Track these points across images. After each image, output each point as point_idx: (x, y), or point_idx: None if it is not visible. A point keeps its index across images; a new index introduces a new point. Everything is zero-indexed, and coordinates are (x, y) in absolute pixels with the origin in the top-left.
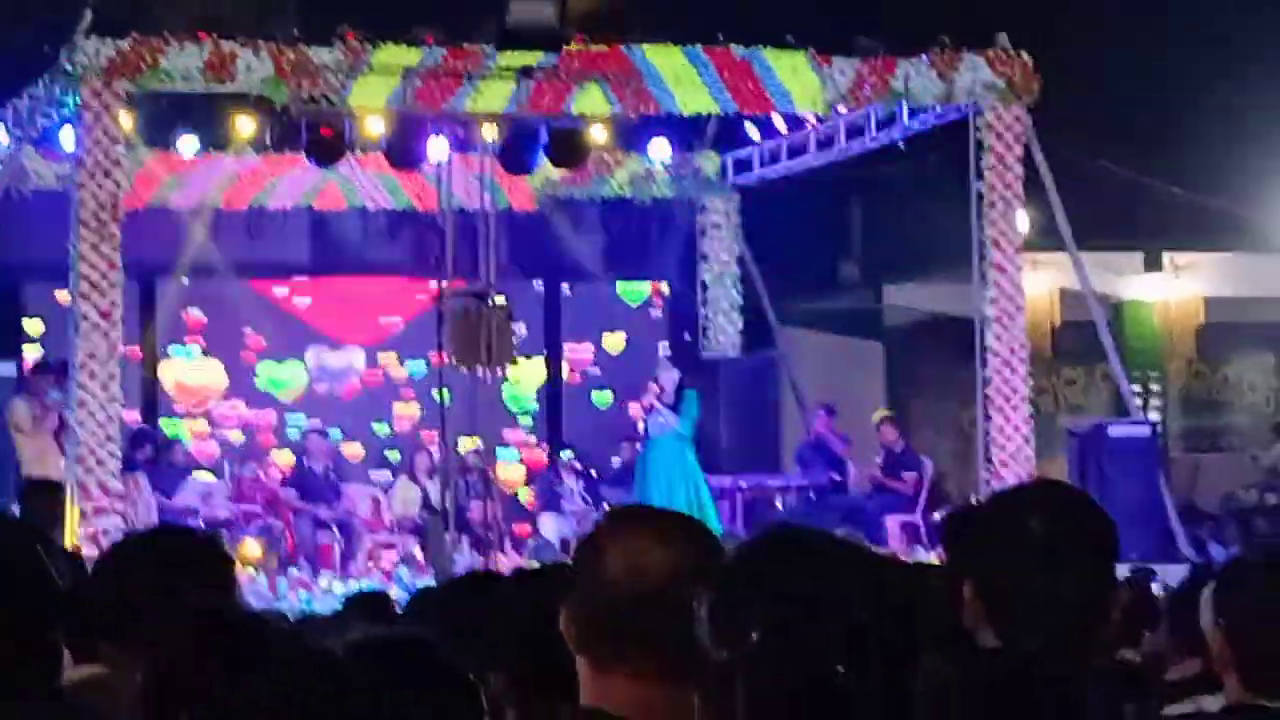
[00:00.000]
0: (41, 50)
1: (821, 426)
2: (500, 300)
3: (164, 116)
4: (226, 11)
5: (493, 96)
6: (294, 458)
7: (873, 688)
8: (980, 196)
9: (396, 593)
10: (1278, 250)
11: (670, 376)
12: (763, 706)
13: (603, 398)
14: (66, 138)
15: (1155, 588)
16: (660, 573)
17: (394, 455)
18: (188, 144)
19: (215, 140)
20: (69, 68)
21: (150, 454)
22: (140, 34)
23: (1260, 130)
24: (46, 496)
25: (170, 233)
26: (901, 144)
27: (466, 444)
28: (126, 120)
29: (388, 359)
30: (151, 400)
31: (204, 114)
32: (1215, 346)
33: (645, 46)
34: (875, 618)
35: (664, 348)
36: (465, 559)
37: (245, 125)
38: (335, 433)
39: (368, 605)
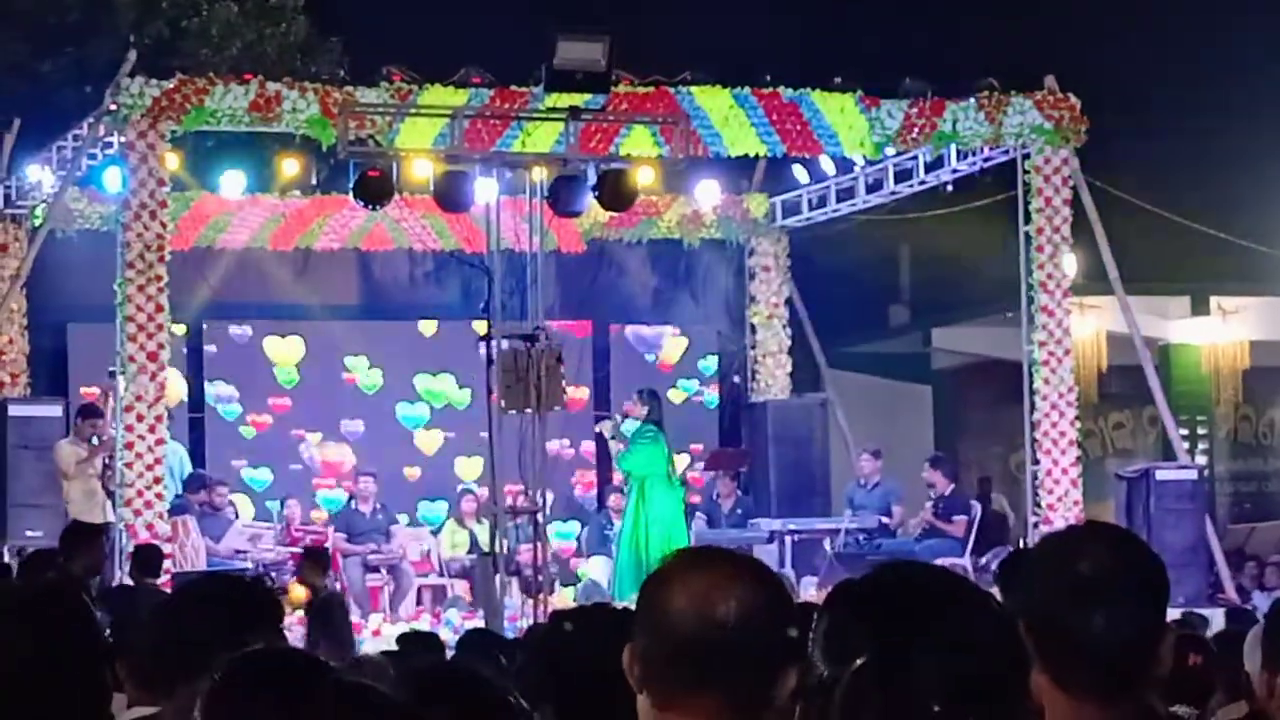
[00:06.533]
0: (85, 91)
1: (867, 469)
2: (549, 342)
3: (210, 157)
4: (270, 51)
5: (541, 138)
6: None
7: None
8: (1028, 239)
9: (446, 634)
10: None
11: (637, 410)
12: None
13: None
14: (111, 178)
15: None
16: (728, 614)
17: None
18: (233, 184)
19: (262, 181)
20: (114, 108)
21: (206, 498)
22: (184, 74)
23: None
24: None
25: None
26: (949, 187)
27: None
28: (172, 161)
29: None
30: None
31: (250, 155)
32: (1262, 390)
33: (693, 88)
34: (981, 661)
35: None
36: (514, 601)
37: (291, 166)
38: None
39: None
